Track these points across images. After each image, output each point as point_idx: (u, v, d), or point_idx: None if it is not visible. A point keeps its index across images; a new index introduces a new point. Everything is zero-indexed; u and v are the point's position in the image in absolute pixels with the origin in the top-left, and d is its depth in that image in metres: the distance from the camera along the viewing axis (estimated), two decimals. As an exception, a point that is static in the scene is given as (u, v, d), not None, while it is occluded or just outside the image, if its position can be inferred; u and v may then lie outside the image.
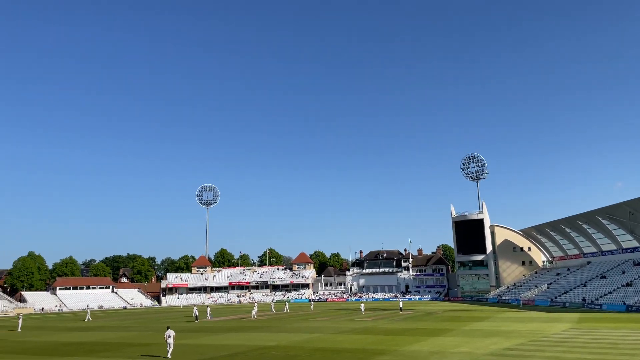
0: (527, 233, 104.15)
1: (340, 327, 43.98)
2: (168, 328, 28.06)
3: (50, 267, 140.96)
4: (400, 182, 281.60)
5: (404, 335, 34.75)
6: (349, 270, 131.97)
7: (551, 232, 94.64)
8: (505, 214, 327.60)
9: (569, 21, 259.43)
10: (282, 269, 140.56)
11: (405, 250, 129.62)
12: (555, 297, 72.58)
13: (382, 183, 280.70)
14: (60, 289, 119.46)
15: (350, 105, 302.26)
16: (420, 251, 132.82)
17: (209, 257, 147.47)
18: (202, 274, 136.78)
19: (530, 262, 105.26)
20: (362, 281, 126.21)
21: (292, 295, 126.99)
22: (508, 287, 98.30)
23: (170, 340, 26.91)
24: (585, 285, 72.81)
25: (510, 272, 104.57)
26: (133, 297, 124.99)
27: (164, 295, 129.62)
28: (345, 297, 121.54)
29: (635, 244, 73.92)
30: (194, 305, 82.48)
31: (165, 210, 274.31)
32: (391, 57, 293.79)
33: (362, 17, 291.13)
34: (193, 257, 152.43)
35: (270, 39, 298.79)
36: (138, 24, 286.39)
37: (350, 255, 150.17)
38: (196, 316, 59.40)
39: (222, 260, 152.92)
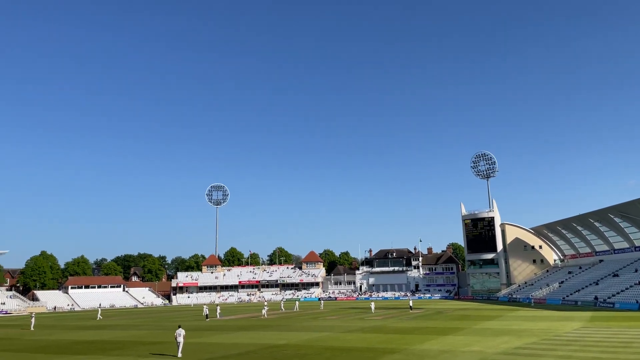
0: (538, 231, 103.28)
1: (350, 325, 43.92)
2: (179, 327, 28.21)
3: (62, 266, 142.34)
4: (411, 181, 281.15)
5: (414, 334, 34.60)
6: (358, 269, 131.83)
7: (562, 230, 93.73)
8: (515, 212, 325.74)
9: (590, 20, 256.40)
10: (292, 268, 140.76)
11: (415, 248, 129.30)
12: (567, 296, 71.91)
13: (391, 181, 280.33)
14: (72, 288, 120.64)
15: (363, 105, 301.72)
16: (430, 250, 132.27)
17: (218, 256, 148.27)
18: (212, 272, 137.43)
19: (542, 261, 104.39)
20: (371, 280, 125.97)
21: (302, 294, 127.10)
22: (519, 285, 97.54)
23: (180, 339, 27.01)
24: (597, 284, 72.06)
25: (521, 270, 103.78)
26: (144, 296, 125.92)
27: (175, 294, 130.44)
28: (355, 295, 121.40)
29: (648, 241, 73.15)
30: (205, 304, 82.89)
31: (176, 209, 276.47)
32: (412, 57, 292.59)
33: (363, 17, 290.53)
34: (203, 256, 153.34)
35: (271, 39, 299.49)
36: (138, 24, 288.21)
37: (359, 254, 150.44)
38: (207, 315, 59.71)
39: (232, 259, 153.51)
